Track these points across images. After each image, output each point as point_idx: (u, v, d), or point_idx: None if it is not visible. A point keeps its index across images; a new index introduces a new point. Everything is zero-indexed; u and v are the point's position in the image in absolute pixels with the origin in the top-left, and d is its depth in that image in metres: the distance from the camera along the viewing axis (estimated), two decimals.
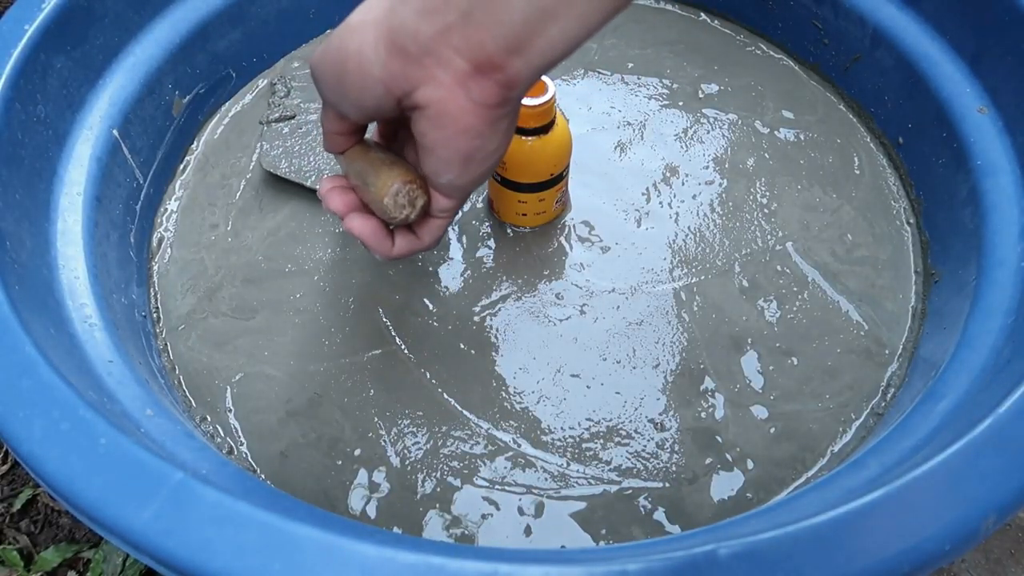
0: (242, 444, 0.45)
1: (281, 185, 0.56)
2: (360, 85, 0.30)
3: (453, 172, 0.33)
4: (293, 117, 0.56)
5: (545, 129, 0.46)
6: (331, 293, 0.51)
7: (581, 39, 0.28)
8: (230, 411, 0.46)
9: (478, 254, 0.52)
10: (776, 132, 0.59)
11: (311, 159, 0.54)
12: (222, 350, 0.48)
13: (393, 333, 0.49)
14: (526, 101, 0.45)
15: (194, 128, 0.59)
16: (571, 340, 0.48)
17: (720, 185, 0.56)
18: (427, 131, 0.31)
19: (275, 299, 0.50)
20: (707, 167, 0.57)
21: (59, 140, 0.48)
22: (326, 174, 0.52)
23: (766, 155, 0.58)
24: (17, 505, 0.59)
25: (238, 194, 0.56)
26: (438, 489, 0.43)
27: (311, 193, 0.55)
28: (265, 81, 0.61)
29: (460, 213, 0.54)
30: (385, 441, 0.45)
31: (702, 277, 0.51)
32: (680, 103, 0.60)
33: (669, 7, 0.68)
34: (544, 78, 0.46)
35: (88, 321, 0.43)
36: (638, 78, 0.62)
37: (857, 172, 0.57)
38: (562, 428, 0.45)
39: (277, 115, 0.55)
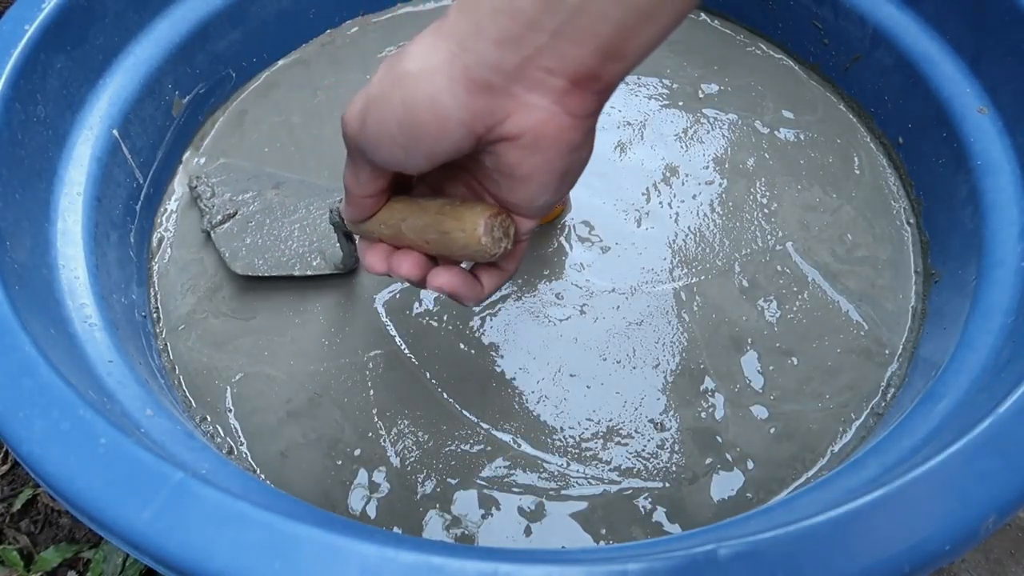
0: (242, 444, 0.45)
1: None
2: (437, 133, 0.28)
3: (550, 193, 0.31)
4: (235, 214, 0.52)
5: None
6: (331, 293, 0.51)
7: (670, 32, 0.27)
8: (230, 411, 0.46)
9: None
10: (776, 132, 0.59)
11: (283, 246, 0.51)
12: (222, 350, 0.48)
13: (393, 333, 0.49)
14: None
15: (194, 128, 0.59)
16: (571, 340, 0.48)
17: (720, 185, 0.56)
18: (522, 160, 0.29)
19: (275, 299, 0.50)
20: (707, 167, 0.57)
21: (59, 140, 0.48)
22: (315, 254, 0.50)
23: (766, 155, 0.58)
24: (17, 505, 0.59)
25: None
26: (438, 489, 0.43)
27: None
28: (183, 188, 0.56)
29: None
30: (385, 441, 0.45)
31: (702, 277, 0.51)
32: (680, 103, 0.60)
33: None
34: None
35: (88, 321, 0.43)
36: (638, 78, 0.62)
37: (857, 172, 0.57)
38: (562, 428, 0.45)
39: (219, 217, 0.52)
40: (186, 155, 0.58)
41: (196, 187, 0.53)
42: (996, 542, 0.60)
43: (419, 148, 0.29)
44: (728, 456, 0.44)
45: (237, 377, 0.47)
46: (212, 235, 0.51)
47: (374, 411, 0.46)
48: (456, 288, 0.35)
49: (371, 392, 0.47)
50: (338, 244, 0.48)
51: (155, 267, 0.52)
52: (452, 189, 0.34)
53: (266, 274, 0.50)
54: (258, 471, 0.44)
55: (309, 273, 0.50)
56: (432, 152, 0.29)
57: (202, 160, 0.56)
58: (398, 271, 0.35)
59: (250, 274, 0.50)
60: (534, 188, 0.30)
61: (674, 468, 0.44)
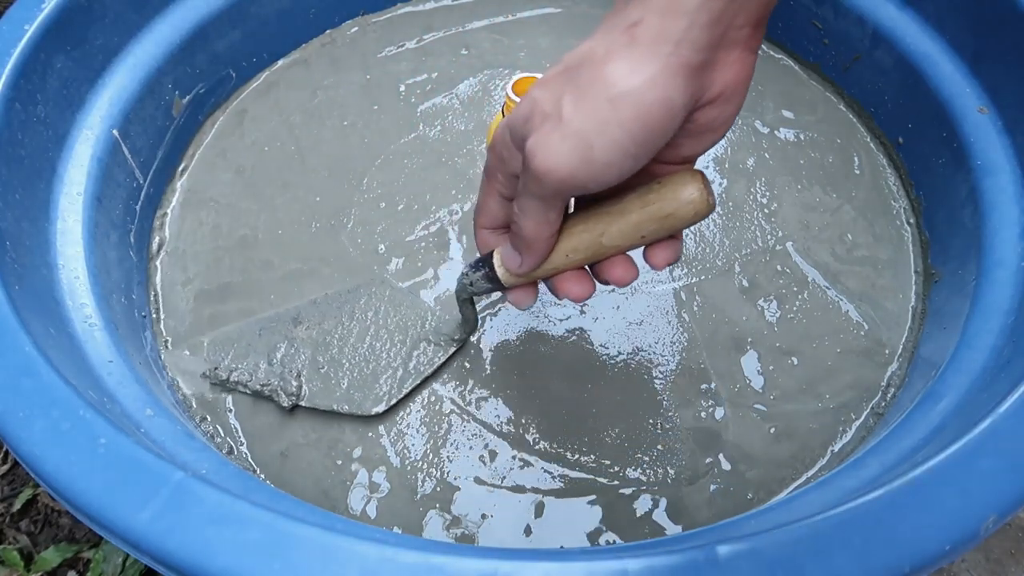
0: (242, 444, 0.45)
1: (280, 184, 0.56)
2: (668, 128, 0.29)
3: (722, 134, 0.32)
4: (299, 374, 0.46)
5: None
6: (332, 293, 0.50)
7: None
8: (230, 411, 0.46)
9: (478, 254, 0.52)
10: (776, 132, 0.59)
11: (384, 360, 0.46)
12: (222, 350, 0.48)
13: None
14: None
15: (194, 128, 0.59)
16: (571, 340, 0.48)
17: (720, 185, 0.56)
18: (720, 112, 0.31)
19: (276, 299, 0.50)
20: (707, 167, 0.57)
21: (59, 140, 0.48)
22: (421, 343, 0.46)
23: (766, 155, 0.58)
24: (17, 505, 0.59)
25: (239, 193, 0.56)
26: (438, 489, 0.43)
27: (310, 193, 0.55)
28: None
29: (460, 213, 0.54)
30: (385, 441, 0.45)
31: (702, 277, 0.51)
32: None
33: None
34: None
35: (88, 321, 0.43)
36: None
37: (857, 172, 0.57)
38: (562, 428, 0.45)
39: (290, 388, 0.45)
40: (185, 158, 0.58)
41: (228, 380, 0.46)
42: (996, 542, 0.60)
43: (649, 151, 0.29)
44: (728, 456, 0.44)
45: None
46: (304, 406, 0.45)
47: (373, 409, 0.46)
48: (672, 258, 0.36)
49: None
50: (459, 313, 0.45)
51: (155, 267, 0.52)
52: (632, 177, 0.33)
53: (406, 393, 0.45)
54: (258, 471, 0.44)
55: (441, 362, 0.46)
56: (657, 148, 0.30)
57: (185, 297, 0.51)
58: (623, 277, 0.36)
59: (392, 404, 0.45)
60: (721, 133, 0.32)
61: (674, 468, 0.44)
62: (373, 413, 0.45)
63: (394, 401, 0.45)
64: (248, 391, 0.46)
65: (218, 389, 0.46)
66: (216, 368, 0.46)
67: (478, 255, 0.38)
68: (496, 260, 0.37)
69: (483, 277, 0.38)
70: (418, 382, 0.46)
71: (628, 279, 0.35)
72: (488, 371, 0.47)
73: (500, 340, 0.48)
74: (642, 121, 0.28)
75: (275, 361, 0.46)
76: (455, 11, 0.67)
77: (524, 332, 0.49)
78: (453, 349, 0.47)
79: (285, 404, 0.45)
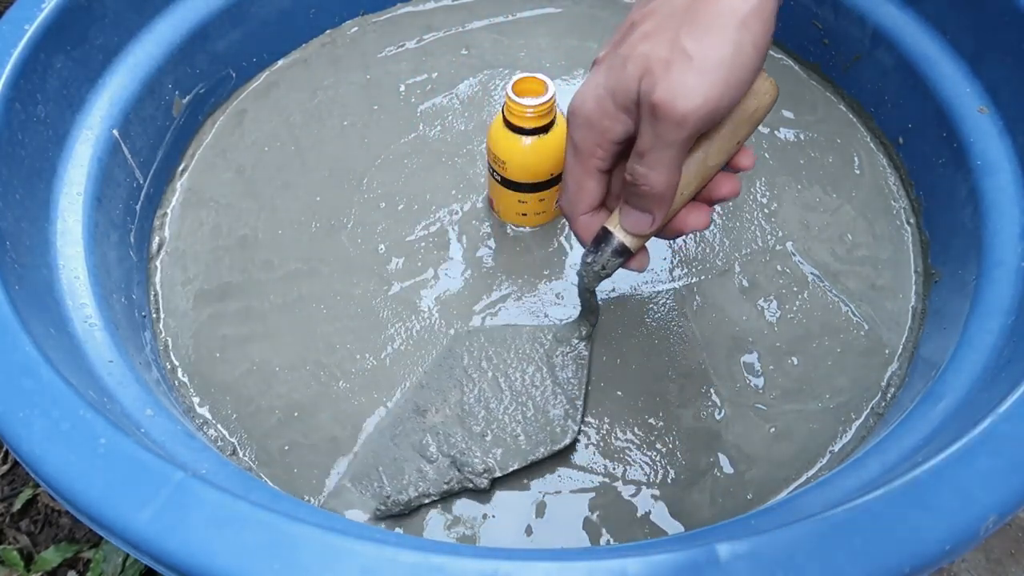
0: (242, 444, 0.45)
1: (280, 184, 0.56)
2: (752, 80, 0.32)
3: None
4: (449, 480, 0.42)
5: (545, 129, 0.46)
6: (332, 293, 0.51)
7: None
8: (230, 411, 0.46)
9: (478, 254, 0.52)
10: (776, 132, 0.59)
11: (517, 426, 0.43)
12: (222, 350, 0.48)
13: (393, 333, 0.49)
14: (526, 101, 0.45)
15: (194, 128, 0.59)
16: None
17: (591, 309, 0.55)
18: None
19: (276, 299, 0.50)
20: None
21: (59, 140, 0.48)
22: (559, 372, 0.44)
23: (766, 155, 0.58)
24: (17, 505, 0.59)
25: (239, 193, 0.56)
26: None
27: (310, 193, 0.55)
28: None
29: (460, 213, 0.54)
30: (385, 441, 0.45)
31: (702, 277, 0.51)
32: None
33: None
34: (544, 78, 0.46)
35: (88, 321, 0.43)
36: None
37: (857, 172, 0.57)
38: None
39: (456, 487, 0.42)
40: (185, 156, 0.58)
41: (408, 502, 0.42)
42: (996, 542, 0.60)
43: (764, 60, 0.32)
44: (728, 456, 0.44)
45: (237, 377, 0.47)
46: (500, 476, 0.42)
47: (375, 411, 0.46)
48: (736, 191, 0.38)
49: (372, 392, 0.47)
50: (584, 310, 0.44)
51: (155, 267, 0.52)
52: None
53: (583, 405, 0.44)
54: (258, 471, 0.44)
55: (588, 361, 0.45)
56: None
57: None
58: (700, 222, 0.38)
59: (581, 420, 0.44)
60: None
61: (674, 468, 0.44)
62: (572, 441, 0.42)
63: (580, 418, 0.43)
64: (437, 496, 0.41)
65: (397, 511, 0.42)
66: (388, 498, 0.41)
67: (586, 244, 0.39)
68: (618, 232, 0.37)
69: (613, 255, 0.38)
70: (585, 388, 0.44)
71: (737, 189, 0.37)
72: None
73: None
74: (767, 34, 0.31)
75: (435, 456, 0.42)
76: (455, 11, 0.67)
77: None
78: (589, 346, 0.45)
79: (484, 486, 0.41)
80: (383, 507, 0.41)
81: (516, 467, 0.42)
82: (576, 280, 0.43)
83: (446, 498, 0.42)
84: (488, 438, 0.43)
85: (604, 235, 0.38)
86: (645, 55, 0.31)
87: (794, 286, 0.51)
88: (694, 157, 0.35)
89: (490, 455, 0.42)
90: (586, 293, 0.43)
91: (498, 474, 0.42)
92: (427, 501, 0.42)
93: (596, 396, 0.46)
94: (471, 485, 0.41)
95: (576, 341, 0.46)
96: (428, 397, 0.45)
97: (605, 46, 0.36)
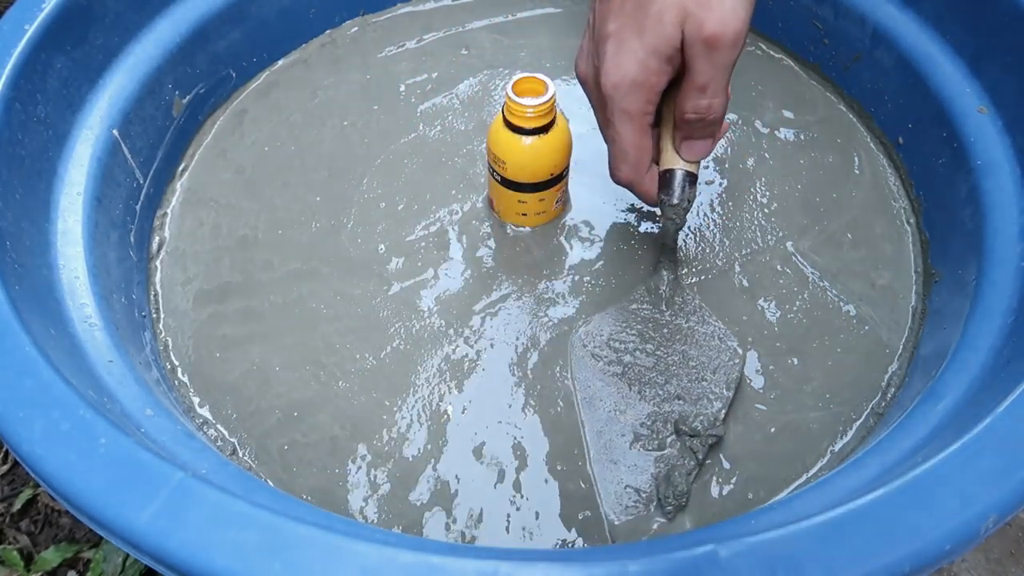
0: (242, 444, 0.45)
1: (280, 184, 0.56)
2: None
3: None
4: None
5: (545, 129, 0.46)
6: (332, 293, 0.51)
7: None
8: (230, 411, 0.46)
9: (478, 254, 0.52)
10: (776, 132, 0.59)
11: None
12: (222, 350, 0.48)
13: (393, 333, 0.49)
14: (526, 101, 0.45)
15: (194, 128, 0.59)
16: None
17: (720, 185, 0.56)
18: None
19: (276, 299, 0.50)
20: (707, 167, 0.57)
21: (59, 140, 0.48)
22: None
23: (766, 155, 0.58)
24: (17, 505, 0.59)
25: (239, 193, 0.56)
26: (438, 489, 0.43)
27: (310, 193, 0.55)
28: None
29: (460, 213, 0.54)
30: (385, 441, 0.45)
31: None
32: None
33: None
34: (544, 78, 0.46)
35: (88, 321, 0.43)
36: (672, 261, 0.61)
37: (857, 172, 0.57)
38: (562, 427, 0.45)
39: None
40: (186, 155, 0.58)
41: (675, 497, 0.41)
42: (996, 542, 0.60)
43: None
44: (728, 456, 0.44)
45: (237, 377, 0.47)
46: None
47: (375, 411, 0.46)
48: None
49: (372, 392, 0.47)
50: (668, 259, 0.48)
51: (155, 267, 0.52)
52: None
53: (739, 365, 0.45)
54: (258, 471, 0.44)
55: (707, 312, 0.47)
56: None
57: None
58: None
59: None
60: None
61: (674, 468, 0.44)
62: (743, 357, 0.46)
63: (732, 337, 0.46)
64: (697, 466, 0.42)
65: None
66: (665, 499, 0.41)
67: (655, 197, 0.44)
68: (683, 166, 0.42)
69: (691, 186, 0.43)
70: (706, 311, 0.47)
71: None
72: (487, 371, 0.47)
73: (500, 340, 0.48)
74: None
75: (665, 442, 0.43)
76: (455, 11, 0.67)
77: (523, 332, 0.49)
78: (679, 280, 0.48)
79: (723, 432, 0.43)
80: (670, 508, 0.41)
81: (730, 395, 0.44)
82: (659, 232, 0.49)
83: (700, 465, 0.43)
84: (684, 398, 0.44)
85: (675, 176, 0.42)
86: (677, 3, 0.35)
87: (794, 286, 0.51)
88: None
89: (699, 406, 0.44)
90: (675, 238, 0.47)
91: (723, 414, 0.43)
92: (693, 476, 0.42)
93: (596, 395, 0.46)
94: (713, 440, 0.43)
95: (668, 290, 0.48)
96: (603, 410, 0.44)
97: (588, 31, 0.40)
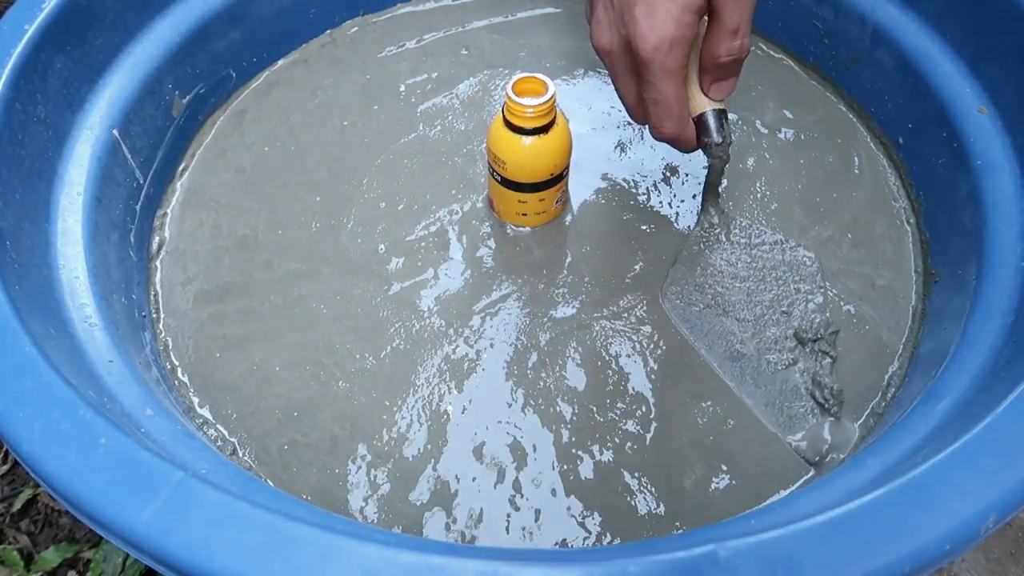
0: (242, 444, 0.45)
1: (280, 184, 0.56)
2: None
3: None
4: None
5: (545, 129, 0.46)
6: (332, 293, 0.51)
7: None
8: (230, 411, 0.46)
9: (478, 254, 0.52)
10: (776, 132, 0.59)
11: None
12: (222, 350, 0.48)
13: (393, 333, 0.49)
14: (526, 101, 0.45)
15: (194, 128, 0.59)
16: (571, 340, 0.48)
17: (720, 185, 0.56)
18: None
19: (276, 299, 0.50)
20: (707, 167, 0.57)
21: (59, 140, 0.48)
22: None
23: (766, 155, 0.58)
24: (17, 505, 0.59)
25: (239, 193, 0.56)
26: (438, 489, 0.43)
27: (310, 193, 0.55)
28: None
29: (460, 213, 0.54)
30: (385, 441, 0.45)
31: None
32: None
33: None
34: (544, 78, 0.46)
35: (88, 321, 0.43)
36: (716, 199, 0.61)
37: (857, 172, 0.57)
38: (562, 428, 0.45)
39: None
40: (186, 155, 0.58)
41: (833, 395, 0.45)
42: (996, 542, 0.60)
43: None
44: (728, 456, 0.44)
45: (237, 377, 0.47)
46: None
47: (375, 411, 0.46)
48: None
49: (372, 392, 0.47)
50: (713, 195, 0.50)
51: (155, 267, 0.52)
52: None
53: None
54: (258, 471, 0.44)
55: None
56: None
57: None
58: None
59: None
60: None
61: (674, 468, 0.44)
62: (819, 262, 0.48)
63: (799, 246, 0.50)
64: (836, 355, 0.46)
65: None
66: (827, 402, 0.45)
67: (694, 141, 0.46)
68: (715, 105, 0.45)
69: (726, 122, 0.45)
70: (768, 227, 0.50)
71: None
72: (487, 371, 0.47)
73: (500, 339, 0.48)
74: None
75: (794, 350, 0.46)
76: (455, 11, 0.67)
77: (523, 332, 0.49)
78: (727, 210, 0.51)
79: (837, 327, 0.46)
80: (834, 406, 0.44)
81: (825, 284, 0.47)
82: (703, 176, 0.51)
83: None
84: (789, 311, 0.47)
85: (711, 117, 0.45)
86: None
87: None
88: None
89: (806, 310, 0.47)
90: (721, 174, 0.49)
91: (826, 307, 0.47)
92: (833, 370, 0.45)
93: (596, 395, 0.46)
94: (834, 333, 0.46)
95: (721, 222, 0.51)
96: (725, 348, 0.47)
97: (600, 5, 0.42)
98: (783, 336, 0.47)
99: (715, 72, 0.43)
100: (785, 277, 0.48)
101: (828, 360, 0.45)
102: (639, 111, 0.45)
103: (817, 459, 0.43)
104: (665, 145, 0.58)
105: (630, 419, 0.45)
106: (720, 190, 0.51)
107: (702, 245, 0.50)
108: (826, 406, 0.44)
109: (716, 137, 0.45)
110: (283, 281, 0.51)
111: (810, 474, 0.44)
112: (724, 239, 0.50)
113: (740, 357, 0.46)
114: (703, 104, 0.44)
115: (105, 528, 0.29)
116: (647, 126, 0.45)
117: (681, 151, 0.47)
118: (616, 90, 0.46)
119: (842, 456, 0.43)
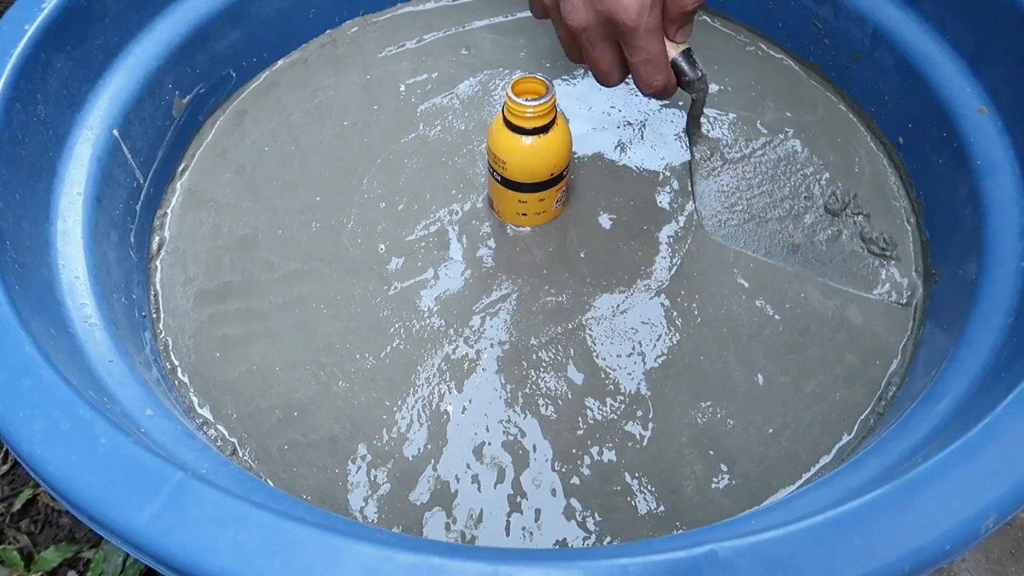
0: (242, 444, 0.45)
1: (280, 184, 0.56)
2: None
3: None
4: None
5: (545, 129, 0.46)
6: (332, 293, 0.51)
7: None
8: (230, 411, 0.46)
9: (478, 254, 0.52)
10: (776, 132, 0.59)
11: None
12: (222, 350, 0.48)
13: (393, 333, 0.49)
14: (526, 101, 0.45)
15: (194, 128, 0.59)
16: (571, 340, 0.48)
17: (701, 117, 0.56)
18: None
19: (276, 299, 0.50)
20: (692, 103, 0.57)
21: (59, 140, 0.48)
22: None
23: (766, 155, 0.58)
24: (17, 505, 0.59)
25: (239, 193, 0.56)
26: (438, 489, 0.43)
27: (310, 193, 0.55)
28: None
29: (460, 213, 0.54)
30: (385, 441, 0.45)
31: (702, 277, 0.51)
32: (680, 103, 0.60)
33: None
34: (544, 78, 0.46)
35: (88, 321, 0.43)
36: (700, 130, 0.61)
37: (857, 172, 0.57)
38: (562, 428, 0.45)
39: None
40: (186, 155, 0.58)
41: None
42: (996, 542, 0.60)
43: None
44: (728, 456, 0.44)
45: (237, 377, 0.47)
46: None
47: (375, 411, 0.46)
48: None
49: (372, 392, 0.47)
50: (697, 124, 0.54)
51: (155, 267, 0.52)
52: None
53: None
54: (258, 471, 0.44)
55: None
56: None
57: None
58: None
59: None
60: None
61: (674, 468, 0.44)
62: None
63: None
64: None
65: None
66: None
67: (673, 85, 0.49)
68: (679, 51, 0.48)
69: (695, 58, 0.48)
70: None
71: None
72: (487, 371, 0.47)
73: (499, 339, 0.48)
74: None
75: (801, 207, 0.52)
76: (455, 11, 0.67)
77: (523, 332, 0.49)
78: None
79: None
80: (892, 251, 0.51)
81: (828, 173, 0.52)
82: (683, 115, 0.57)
83: None
84: (810, 195, 0.53)
85: (682, 59, 0.48)
86: None
87: (794, 285, 0.51)
88: None
89: (824, 187, 0.53)
90: (703, 105, 0.53)
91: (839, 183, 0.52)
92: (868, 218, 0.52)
93: (596, 395, 0.46)
94: (856, 205, 0.52)
95: (711, 146, 0.55)
96: (782, 249, 0.52)
97: None
98: (818, 216, 0.52)
99: (681, 20, 0.46)
100: (789, 169, 0.53)
101: (862, 217, 0.52)
102: (614, 74, 0.48)
103: (907, 299, 0.49)
104: (665, 145, 0.58)
105: (630, 419, 0.45)
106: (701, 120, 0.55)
107: (708, 175, 0.54)
108: (886, 253, 0.51)
109: (694, 73, 0.48)
110: (283, 281, 0.51)
111: (811, 473, 0.44)
112: (721, 162, 0.54)
113: (797, 249, 0.51)
114: (672, 50, 0.48)
115: (105, 528, 0.29)
116: (636, 86, 0.49)
117: (662, 99, 0.51)
118: (590, 62, 0.48)
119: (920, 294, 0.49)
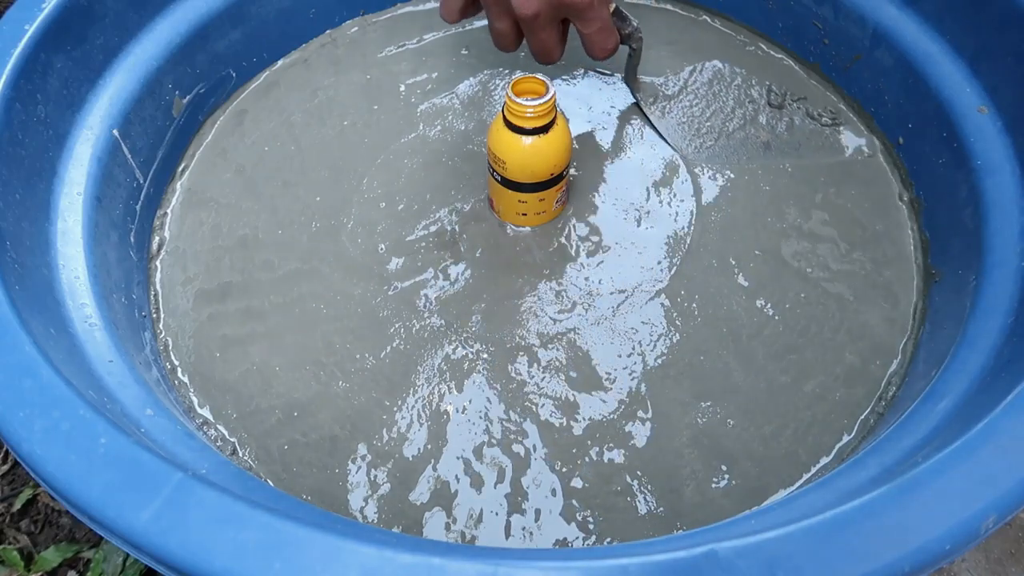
0: (242, 444, 0.45)
1: (280, 184, 0.56)
2: None
3: None
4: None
5: (545, 129, 0.46)
6: (332, 293, 0.51)
7: None
8: (230, 411, 0.46)
9: (478, 254, 0.52)
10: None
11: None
12: (222, 350, 0.48)
13: (393, 333, 0.49)
14: (526, 101, 0.45)
15: (194, 128, 0.59)
16: (571, 340, 0.48)
17: (639, 65, 0.58)
18: None
19: (276, 299, 0.50)
20: (630, 55, 0.57)
21: (59, 140, 0.48)
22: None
23: (766, 155, 0.58)
24: (17, 505, 0.59)
25: (239, 193, 0.56)
26: (438, 489, 0.43)
27: (310, 193, 0.55)
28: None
29: (460, 213, 0.54)
30: (385, 441, 0.45)
31: (702, 277, 0.51)
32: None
33: (669, 7, 0.68)
34: (544, 78, 0.46)
35: (88, 321, 0.43)
36: (638, 77, 0.62)
37: (857, 172, 0.57)
38: (562, 428, 0.45)
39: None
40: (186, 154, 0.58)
41: None
42: (996, 542, 0.60)
43: None
44: (728, 456, 0.44)
45: (237, 377, 0.47)
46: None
47: (375, 411, 0.46)
48: None
49: (372, 392, 0.47)
50: (635, 74, 0.59)
51: (155, 267, 0.52)
52: None
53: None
54: (258, 471, 0.44)
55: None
56: None
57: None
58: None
59: None
60: None
61: (674, 468, 0.44)
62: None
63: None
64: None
65: None
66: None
67: (620, 34, 0.52)
68: (611, 9, 0.50)
69: (626, 12, 0.52)
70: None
71: None
72: (487, 371, 0.47)
73: (499, 339, 0.48)
74: None
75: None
76: None
77: (523, 332, 0.49)
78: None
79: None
80: (838, 120, 0.57)
81: (756, 77, 0.59)
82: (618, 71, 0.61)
83: None
84: (756, 99, 0.59)
85: (617, 19, 0.52)
86: None
87: (794, 285, 0.51)
88: None
89: (762, 87, 0.59)
90: (640, 54, 0.57)
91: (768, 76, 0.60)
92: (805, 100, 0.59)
93: (596, 395, 0.46)
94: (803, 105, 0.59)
95: (653, 90, 0.60)
96: (754, 147, 0.57)
97: None
98: (768, 114, 0.58)
99: None
100: (724, 81, 0.60)
101: (801, 100, 0.59)
102: (558, 51, 0.51)
103: (873, 152, 0.55)
104: (665, 145, 0.58)
105: (630, 419, 0.45)
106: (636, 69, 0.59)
107: (663, 115, 0.58)
108: (836, 121, 0.58)
109: (631, 25, 0.53)
110: (283, 281, 0.51)
111: (811, 473, 0.44)
112: (665, 100, 0.59)
113: (768, 145, 0.56)
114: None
115: (105, 528, 0.29)
116: (589, 54, 0.51)
117: (608, 58, 0.53)
118: (537, 44, 0.50)
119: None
